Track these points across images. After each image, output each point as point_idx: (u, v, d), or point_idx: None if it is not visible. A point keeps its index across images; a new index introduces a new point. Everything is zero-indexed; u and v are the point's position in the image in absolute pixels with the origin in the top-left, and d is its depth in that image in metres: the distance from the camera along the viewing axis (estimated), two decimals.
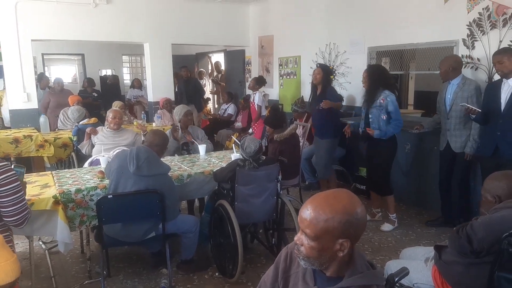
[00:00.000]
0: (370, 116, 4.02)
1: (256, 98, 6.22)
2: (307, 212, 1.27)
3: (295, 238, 1.33)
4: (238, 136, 5.95)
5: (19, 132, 5.34)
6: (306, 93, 6.45)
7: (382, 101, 3.92)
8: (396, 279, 1.54)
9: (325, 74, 4.60)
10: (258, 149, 3.14)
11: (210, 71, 10.15)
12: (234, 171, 3.11)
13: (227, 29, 7.71)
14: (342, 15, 5.76)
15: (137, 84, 9.27)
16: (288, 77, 7.11)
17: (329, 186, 4.88)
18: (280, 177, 3.38)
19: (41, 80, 7.63)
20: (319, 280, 1.35)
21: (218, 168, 3.47)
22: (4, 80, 6.21)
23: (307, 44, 6.49)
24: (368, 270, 1.32)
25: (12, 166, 2.19)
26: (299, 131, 5.05)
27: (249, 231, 3.67)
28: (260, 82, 6.41)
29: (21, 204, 2.03)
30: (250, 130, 6.65)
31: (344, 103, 5.42)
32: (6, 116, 6.90)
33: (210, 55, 10.33)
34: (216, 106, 10.49)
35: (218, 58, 9.98)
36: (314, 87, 4.70)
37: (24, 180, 2.29)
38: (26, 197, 2.79)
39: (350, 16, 5.62)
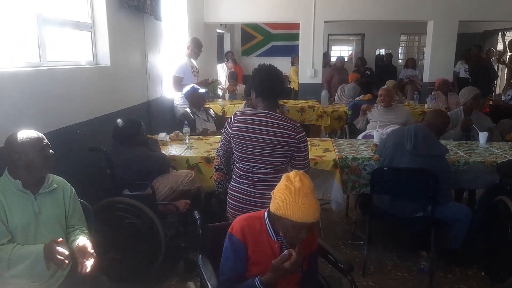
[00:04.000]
0: None
1: None
2: None
3: None
4: None
5: (305, 103, 6.20)
6: None
7: None
8: None
9: None
10: None
11: (502, 51, 8.79)
12: None
13: None
14: None
15: (411, 64, 9.03)
16: None
17: None
18: None
19: (325, 58, 8.50)
20: None
21: (504, 160, 3.07)
22: (299, 57, 7.27)
23: None
24: None
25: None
26: None
27: None
28: None
29: (307, 160, 2.32)
30: None
31: None
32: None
33: (502, 32, 8.91)
34: (499, 91, 9.07)
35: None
36: None
37: None
38: (312, 157, 3.31)
39: None
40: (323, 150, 3.57)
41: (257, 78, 2.28)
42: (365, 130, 4.50)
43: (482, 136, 3.77)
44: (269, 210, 1.69)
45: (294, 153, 2.26)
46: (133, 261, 2.93)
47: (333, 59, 8.82)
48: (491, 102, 7.67)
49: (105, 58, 3.62)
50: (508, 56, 8.45)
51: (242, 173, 2.32)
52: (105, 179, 3.02)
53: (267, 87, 2.25)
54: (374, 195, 3.04)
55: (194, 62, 5.12)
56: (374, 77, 8.97)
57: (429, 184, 2.81)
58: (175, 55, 5.42)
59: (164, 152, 3.37)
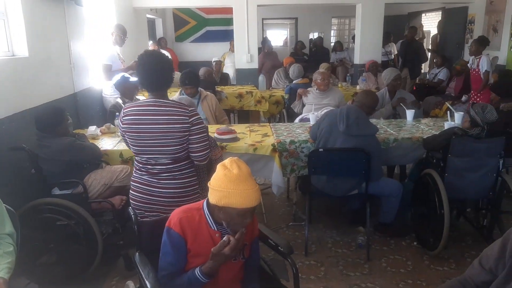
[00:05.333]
0: None
1: (484, 63, 5.35)
2: None
3: None
4: (452, 104, 5.38)
5: (243, 89, 6.17)
6: None
7: None
8: None
9: None
10: (496, 120, 2.80)
11: (421, 36, 9.33)
12: (448, 140, 2.89)
13: None
14: None
15: (339, 47, 9.28)
16: None
17: None
18: (503, 153, 2.97)
19: (265, 43, 8.49)
20: None
21: (429, 135, 3.28)
22: (234, 43, 7.18)
23: None
24: None
25: None
26: None
27: (456, 207, 3.40)
28: (483, 43, 5.51)
29: (204, 143, 2.19)
30: (464, 99, 5.92)
31: None
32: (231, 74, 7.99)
33: (424, 14, 9.47)
34: (423, 70, 9.67)
35: (433, 17, 9.07)
36: None
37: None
38: (251, 143, 3.32)
39: None
40: (262, 135, 3.58)
41: (139, 71, 2.13)
42: (302, 114, 4.58)
43: (409, 113, 4.00)
44: (207, 201, 1.65)
45: (189, 138, 2.15)
46: (69, 264, 2.77)
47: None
48: (417, 81, 8.18)
49: (22, 48, 3.32)
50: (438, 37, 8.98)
51: (141, 165, 2.23)
52: (31, 179, 2.79)
53: (149, 79, 2.11)
54: (312, 176, 3.11)
55: (119, 50, 4.90)
56: (309, 61, 9.13)
57: (362, 163, 2.93)
58: (102, 43, 5.12)
59: None
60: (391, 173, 4.28)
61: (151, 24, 9.20)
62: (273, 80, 6.93)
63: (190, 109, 2.15)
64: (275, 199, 4.10)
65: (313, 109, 4.32)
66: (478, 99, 5.31)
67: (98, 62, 4.75)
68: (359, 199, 3.17)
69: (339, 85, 6.67)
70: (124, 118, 2.17)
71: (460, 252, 3.15)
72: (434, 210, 2.94)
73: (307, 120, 4.15)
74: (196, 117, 2.15)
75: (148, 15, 8.12)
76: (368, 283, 2.78)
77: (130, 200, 2.30)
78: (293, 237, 3.40)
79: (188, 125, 2.12)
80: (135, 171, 2.29)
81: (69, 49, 4.07)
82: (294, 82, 5.50)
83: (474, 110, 2.86)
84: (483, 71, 5.27)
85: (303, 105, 4.61)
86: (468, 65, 5.77)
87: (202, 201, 1.71)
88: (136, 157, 2.26)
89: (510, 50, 6.21)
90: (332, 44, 11.17)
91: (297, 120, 4.47)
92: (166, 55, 2.21)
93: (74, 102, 4.13)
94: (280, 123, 4.39)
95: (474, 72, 5.46)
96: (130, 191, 2.30)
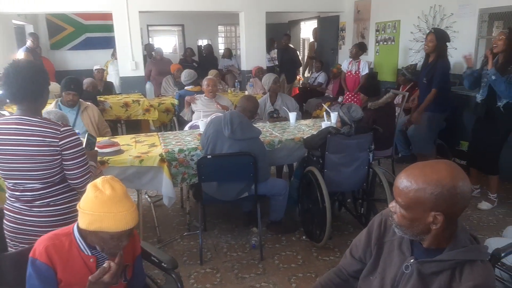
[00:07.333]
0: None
1: (365, 67, 5.91)
2: (399, 180, 1.24)
3: (389, 205, 1.31)
4: (330, 105, 5.86)
5: (129, 97, 5.89)
6: (402, 61, 6.09)
7: None
8: (502, 255, 1.45)
9: (439, 41, 4.05)
10: (362, 117, 3.10)
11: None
12: (325, 138, 3.11)
13: None
14: None
15: (227, 54, 9.48)
16: (385, 43, 6.73)
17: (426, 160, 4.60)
18: (372, 147, 3.31)
19: (152, 50, 8.22)
20: (416, 251, 1.32)
21: (309, 135, 3.50)
22: (115, 50, 6.84)
23: (408, 7, 6.05)
24: (472, 244, 1.24)
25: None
26: (397, 100, 4.81)
27: (337, 199, 3.69)
28: (362, 48, 6.14)
29: (82, 168, 1.98)
30: (340, 99, 6.49)
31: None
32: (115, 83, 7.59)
33: (303, 22, 10.15)
34: (306, 75, 10.38)
35: (311, 25, 9.78)
36: (427, 55, 4.25)
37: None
38: (136, 154, 3.18)
39: None
40: (148, 146, 3.44)
41: (6, 82, 1.91)
42: (191, 121, 4.53)
43: (292, 116, 4.22)
44: (78, 225, 1.52)
45: (63, 162, 1.94)
46: None
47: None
48: (300, 85, 8.74)
49: None
50: (309, 44, 9.69)
51: (10, 192, 2.01)
52: None
53: (16, 90, 1.89)
54: (203, 183, 3.09)
55: None
56: (198, 68, 9.12)
57: (249, 165, 3.00)
58: None
59: None
60: (280, 173, 4.48)
61: (20, 31, 8.29)
62: (161, 87, 6.77)
63: (62, 129, 1.89)
64: (169, 210, 3.99)
65: (202, 116, 4.31)
66: (354, 100, 5.86)
67: None
68: (249, 201, 3.24)
69: (229, 91, 6.79)
70: None
71: (343, 240, 3.41)
72: (317, 204, 3.15)
73: (197, 127, 4.12)
74: (69, 139, 1.90)
75: (15, 21, 7.31)
76: (263, 282, 2.85)
77: (5, 232, 2.01)
78: (188, 247, 3.34)
79: (58, 148, 1.89)
80: (7, 198, 2.02)
81: None
82: (186, 88, 5.43)
83: (342, 111, 3.15)
84: (364, 73, 5.86)
85: (193, 112, 4.58)
86: (343, 67, 6.33)
87: (72, 225, 1.56)
88: (5, 182, 2.00)
89: (376, 54, 6.98)
90: (220, 51, 11.34)
91: (186, 127, 4.42)
92: (40, 65, 1.99)
93: None
94: (169, 132, 4.29)
95: (352, 74, 6.01)
96: (4, 220, 2.02)
